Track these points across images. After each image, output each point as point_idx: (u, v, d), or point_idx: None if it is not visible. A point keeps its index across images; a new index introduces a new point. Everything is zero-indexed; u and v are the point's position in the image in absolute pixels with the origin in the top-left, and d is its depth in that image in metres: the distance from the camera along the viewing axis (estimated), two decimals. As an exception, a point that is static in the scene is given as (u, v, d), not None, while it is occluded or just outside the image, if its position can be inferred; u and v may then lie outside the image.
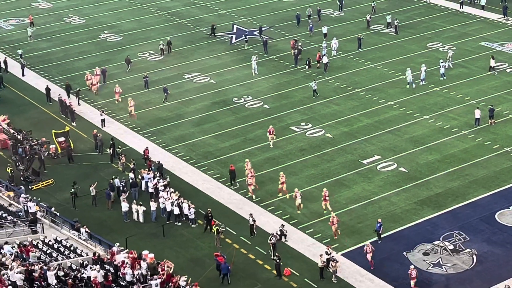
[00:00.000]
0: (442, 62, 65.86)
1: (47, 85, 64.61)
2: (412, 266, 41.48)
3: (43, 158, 53.33)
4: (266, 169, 52.57)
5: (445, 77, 65.18)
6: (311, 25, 75.91)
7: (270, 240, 43.73)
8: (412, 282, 40.95)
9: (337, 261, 42.01)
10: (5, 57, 71.02)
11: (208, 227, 46.33)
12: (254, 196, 49.78)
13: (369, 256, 42.69)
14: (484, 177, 51.14)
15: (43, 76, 68.83)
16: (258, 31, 75.75)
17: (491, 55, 67.67)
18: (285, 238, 45.10)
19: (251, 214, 46.16)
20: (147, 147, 54.30)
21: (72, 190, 49.23)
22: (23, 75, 68.82)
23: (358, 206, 48.57)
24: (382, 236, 45.04)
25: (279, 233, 44.90)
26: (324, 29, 74.54)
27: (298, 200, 48.17)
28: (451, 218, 46.94)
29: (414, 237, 45.21)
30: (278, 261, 42.19)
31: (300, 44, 70.50)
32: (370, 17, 77.37)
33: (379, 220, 45.06)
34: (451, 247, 44.31)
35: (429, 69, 66.18)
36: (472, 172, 51.69)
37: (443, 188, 50.05)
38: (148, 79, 65.15)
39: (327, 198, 47.85)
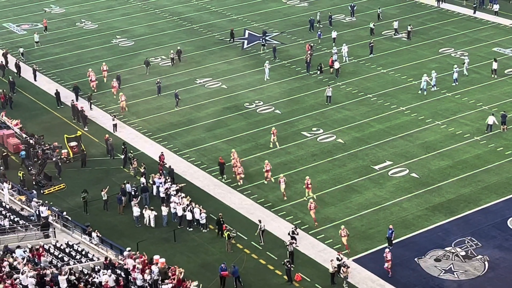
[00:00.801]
0: (456, 68, 65.72)
1: (57, 89, 64.88)
2: (387, 250, 42.72)
3: (60, 164, 53.37)
4: (277, 174, 52.46)
5: (457, 83, 65.04)
6: (319, 32, 75.83)
7: (288, 247, 43.58)
8: (387, 264, 42.31)
9: (348, 267, 41.94)
10: (18, 61, 71.23)
11: (220, 232, 46.39)
12: (241, 182, 51.45)
13: (344, 240, 44.39)
14: (496, 183, 50.97)
15: (56, 81, 69.06)
16: (262, 35, 75.90)
17: (494, 58, 67.83)
18: (295, 241, 44.96)
19: (260, 221, 46.23)
20: (162, 153, 54.34)
21: (83, 195, 49.32)
22: (35, 80, 69.09)
23: (370, 211, 48.49)
24: (393, 242, 44.92)
25: (290, 234, 44.87)
26: (334, 34, 74.52)
27: (282, 186, 49.48)
28: (463, 224, 46.80)
29: (426, 243, 45.09)
30: (289, 266, 42.15)
31: (310, 52, 70.18)
32: (374, 25, 76.80)
33: (391, 226, 44.98)
34: (463, 253, 44.16)
35: (441, 74, 66.09)
36: (484, 178, 51.52)
37: (455, 194, 49.91)
38: (160, 84, 65.28)
39: (309, 185, 49.39)
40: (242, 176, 51.54)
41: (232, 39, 76.02)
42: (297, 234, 45.11)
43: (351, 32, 77.57)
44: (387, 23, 79.54)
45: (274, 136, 56.23)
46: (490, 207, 48.47)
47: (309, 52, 69.98)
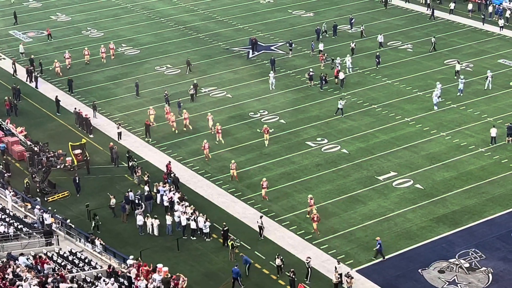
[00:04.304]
0: (462, 78, 65.72)
1: (56, 96, 65.00)
2: (264, 178, 50.22)
3: (78, 181, 52.27)
4: (282, 184, 52.52)
5: (462, 94, 64.98)
6: (312, 44, 75.72)
7: (308, 263, 43.15)
8: (263, 191, 49.80)
9: (352, 277, 41.83)
10: (29, 67, 71.34)
11: (225, 243, 46.29)
12: (176, 131, 59.45)
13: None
14: (500, 195, 50.85)
15: (61, 88, 69.09)
16: (252, 42, 76.10)
17: (457, 60, 69.51)
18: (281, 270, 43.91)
19: (261, 216, 46.93)
20: (169, 162, 54.30)
21: (93, 224, 48.25)
22: (36, 87, 69.14)
23: (374, 222, 48.38)
24: (397, 253, 44.84)
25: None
26: (321, 46, 74.26)
27: (210, 122, 59.13)
28: (467, 236, 46.67)
29: (430, 254, 44.96)
30: (293, 276, 42.00)
31: (312, 69, 69.59)
32: (355, 44, 74.68)
33: (378, 238, 44.94)
34: (467, 265, 44.02)
35: (446, 86, 66.00)
36: (489, 190, 51.41)
37: (459, 206, 49.79)
38: (168, 96, 65.02)
39: (219, 131, 57.70)
40: (174, 125, 59.86)
41: (255, 50, 75.76)
42: (283, 267, 43.75)
43: (357, 42, 77.38)
44: (393, 34, 79.62)
45: (266, 134, 57.25)
46: (495, 219, 48.33)
47: (323, 62, 70.18)
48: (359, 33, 79.86)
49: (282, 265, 43.39)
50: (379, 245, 44.51)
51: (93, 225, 48.07)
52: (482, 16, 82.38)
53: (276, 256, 43.75)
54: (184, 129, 60.13)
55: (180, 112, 62.69)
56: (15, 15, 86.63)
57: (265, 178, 51.60)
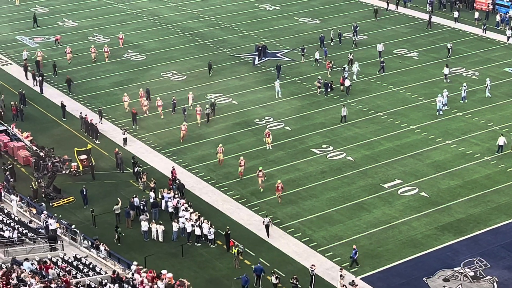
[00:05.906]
0: (464, 86, 65.74)
1: (62, 101, 65.13)
2: (241, 157, 53.01)
3: (85, 193, 51.40)
4: (286, 191, 52.47)
5: (466, 101, 64.98)
6: (325, 49, 75.76)
7: (312, 271, 43.05)
8: (240, 169, 53.01)
9: (357, 285, 41.77)
10: (35, 72, 71.55)
11: (228, 247, 46.33)
12: (147, 114, 63.53)
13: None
14: (506, 203, 50.78)
15: (67, 94, 69.24)
16: (261, 49, 76.08)
17: (445, 64, 70.11)
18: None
19: (266, 215, 47.74)
20: (173, 167, 54.33)
21: (117, 236, 47.78)
22: (41, 92, 69.32)
23: (378, 230, 48.33)
24: (401, 261, 44.77)
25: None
26: (317, 55, 74.18)
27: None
28: (472, 245, 46.60)
29: (434, 263, 44.90)
30: (296, 283, 41.95)
31: (320, 77, 69.60)
32: (352, 55, 73.58)
33: (354, 246, 44.82)
34: (472, 273, 43.95)
35: (451, 94, 65.97)
36: (494, 199, 51.34)
37: (465, 214, 49.73)
38: (175, 102, 65.09)
39: (198, 112, 61.69)
40: (144, 109, 63.58)
41: (263, 55, 75.86)
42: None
43: (362, 50, 77.54)
44: (398, 42, 79.67)
45: (267, 137, 57.90)
46: (500, 228, 48.27)
47: (330, 70, 70.28)
48: (363, 42, 79.88)
49: (278, 283, 42.70)
50: (354, 253, 44.36)
51: (116, 237, 47.92)
52: (483, 25, 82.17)
53: (271, 274, 43.10)
54: (145, 114, 64.05)
55: (185, 118, 62.63)
56: (35, 18, 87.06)
57: (243, 157, 54.46)
